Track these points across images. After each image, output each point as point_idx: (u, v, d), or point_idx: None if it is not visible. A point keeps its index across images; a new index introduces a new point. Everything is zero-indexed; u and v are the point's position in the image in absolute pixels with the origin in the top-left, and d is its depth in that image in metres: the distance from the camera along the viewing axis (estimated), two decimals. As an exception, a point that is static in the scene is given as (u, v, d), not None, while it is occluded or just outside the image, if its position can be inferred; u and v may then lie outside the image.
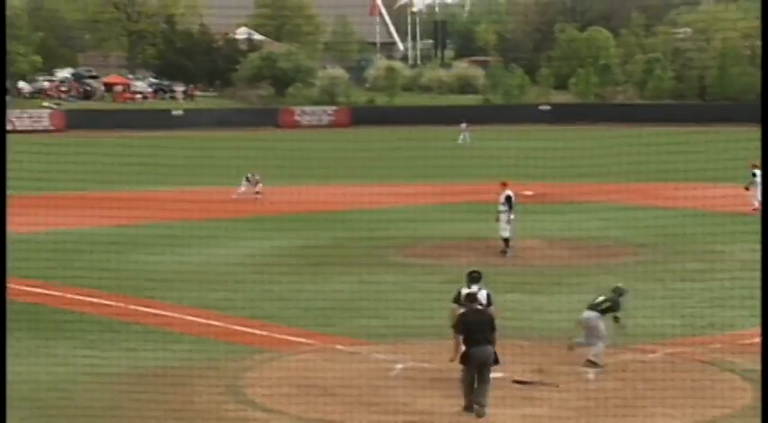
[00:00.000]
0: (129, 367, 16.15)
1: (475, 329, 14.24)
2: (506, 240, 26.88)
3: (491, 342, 14.30)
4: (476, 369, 14.28)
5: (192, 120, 78.35)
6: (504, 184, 27.63)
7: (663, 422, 14.36)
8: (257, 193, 36.49)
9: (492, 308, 15.99)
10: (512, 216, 26.69)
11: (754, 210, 31.11)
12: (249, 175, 37.53)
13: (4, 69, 7.37)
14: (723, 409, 14.59)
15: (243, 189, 36.89)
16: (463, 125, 65.91)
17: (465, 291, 16.59)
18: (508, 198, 27.13)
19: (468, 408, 14.53)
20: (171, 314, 20.23)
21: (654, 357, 17.19)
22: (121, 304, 20.91)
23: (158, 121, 76.94)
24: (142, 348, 16.97)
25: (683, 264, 20.90)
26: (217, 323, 19.35)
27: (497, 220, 26.90)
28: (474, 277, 16.87)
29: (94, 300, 21.23)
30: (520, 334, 17.23)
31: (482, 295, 16.54)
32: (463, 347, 14.51)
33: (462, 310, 15.26)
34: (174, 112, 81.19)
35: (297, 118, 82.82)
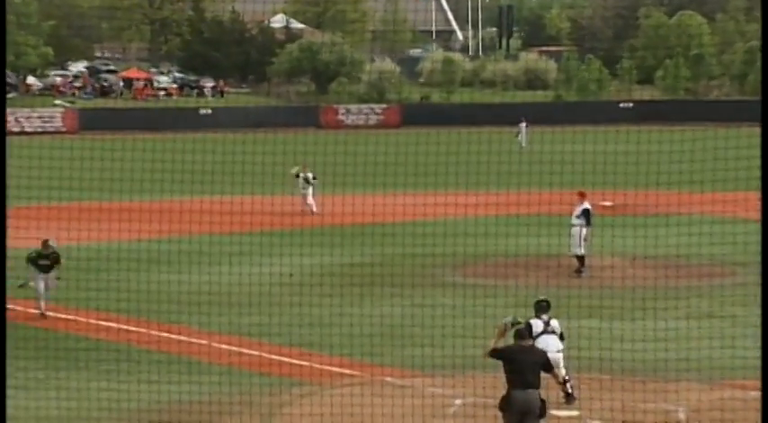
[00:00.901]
0: (151, 402, 16.27)
1: (521, 370, 13.73)
2: (581, 258, 26.73)
3: (538, 387, 13.77)
4: (518, 417, 13.74)
5: (223, 119, 79.01)
6: (582, 195, 27.50)
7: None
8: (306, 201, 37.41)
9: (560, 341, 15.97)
10: (589, 232, 26.57)
11: None
12: (300, 173, 38.27)
13: (3, 68, 7.61)
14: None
15: (310, 199, 37.96)
16: (522, 125, 65.71)
17: (535, 325, 16.50)
18: (586, 211, 27.02)
19: None
20: (197, 341, 20.35)
21: (756, 395, 16.94)
22: (142, 330, 21.09)
23: (184, 120, 77.65)
24: (165, 380, 17.07)
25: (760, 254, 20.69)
26: (249, 352, 19.43)
27: (570, 234, 26.78)
28: (542, 306, 16.82)
29: (111, 325, 21.43)
30: (598, 366, 17.12)
31: (555, 324, 16.50)
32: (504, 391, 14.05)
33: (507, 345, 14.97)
34: (202, 111, 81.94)
35: (341, 117, 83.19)
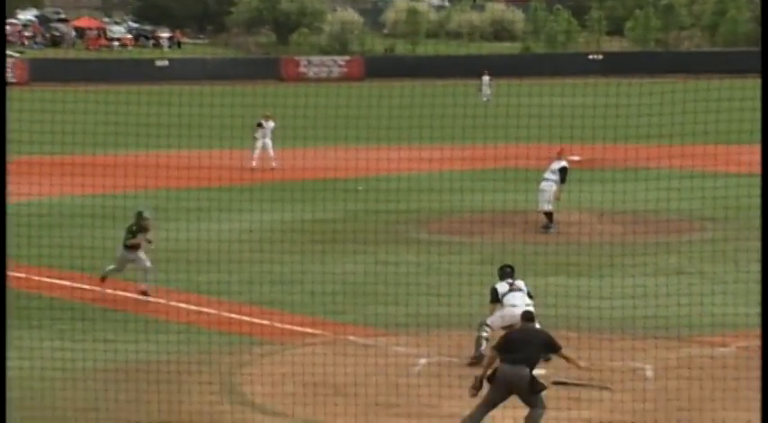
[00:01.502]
0: (107, 361, 16.26)
1: (516, 348, 13.84)
2: (549, 214, 26.88)
3: (532, 365, 13.85)
4: (502, 394, 13.80)
5: (180, 71, 78.46)
6: (562, 152, 27.64)
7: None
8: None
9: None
10: (559, 190, 26.76)
11: None
12: (263, 122, 38.21)
13: (3, 68, 8.17)
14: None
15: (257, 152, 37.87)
16: (485, 78, 65.56)
17: (500, 287, 16.70)
18: (563, 170, 27.18)
19: None
20: (155, 300, 20.35)
21: (725, 352, 17.19)
22: (97, 288, 21.05)
23: (139, 72, 77.06)
24: (121, 339, 17.08)
25: (760, 242, 20.78)
26: (208, 310, 19.45)
27: (540, 190, 26.90)
28: (506, 272, 17.01)
29: (65, 283, 21.37)
30: (565, 324, 17.26)
31: (520, 283, 16.69)
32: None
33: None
34: (159, 63, 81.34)
35: (302, 69, 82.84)
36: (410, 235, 26.21)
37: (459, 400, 15.23)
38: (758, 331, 18.01)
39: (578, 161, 34.98)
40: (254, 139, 38.71)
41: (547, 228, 26.70)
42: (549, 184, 27.07)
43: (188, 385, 15.48)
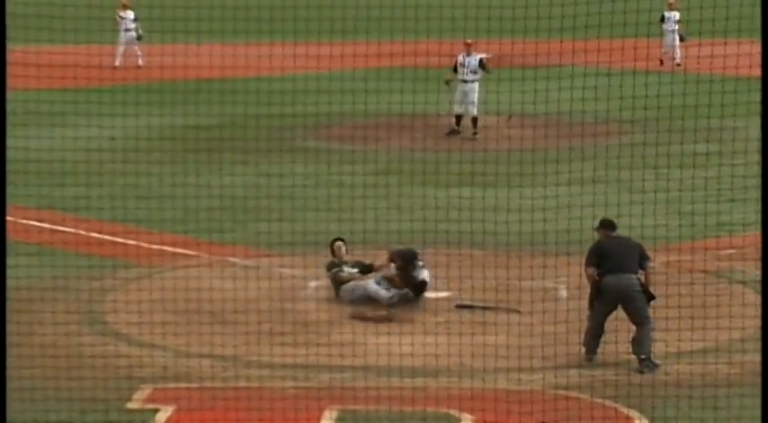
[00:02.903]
0: (-53, 288, 15.98)
1: (614, 257, 14.46)
2: (475, 120, 27.18)
3: (635, 272, 14.52)
4: (612, 305, 14.43)
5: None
6: (469, 45, 27.75)
7: (656, 350, 14.70)
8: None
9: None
10: (478, 89, 27.15)
11: (677, 65, 34.68)
12: (121, 14, 37.55)
13: (4, 68, 8.97)
14: (732, 332, 14.98)
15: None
16: None
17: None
18: (481, 62, 27.49)
19: (587, 352, 14.77)
20: (2, 217, 20.01)
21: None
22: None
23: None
24: (-37, 263, 16.79)
25: (684, 146, 21.13)
26: (66, 229, 19.23)
27: (450, 89, 27.06)
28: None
29: None
30: (469, 240, 17.44)
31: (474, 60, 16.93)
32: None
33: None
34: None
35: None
36: (297, 143, 26.16)
37: (351, 326, 15.35)
38: (682, 245, 18.47)
39: (486, 59, 35.10)
40: (116, 33, 38.06)
41: (455, 132, 26.98)
42: (473, 85, 27.38)
43: (42, 314, 15.31)
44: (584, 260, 14.92)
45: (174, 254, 18.32)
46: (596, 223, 15.42)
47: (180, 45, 37.80)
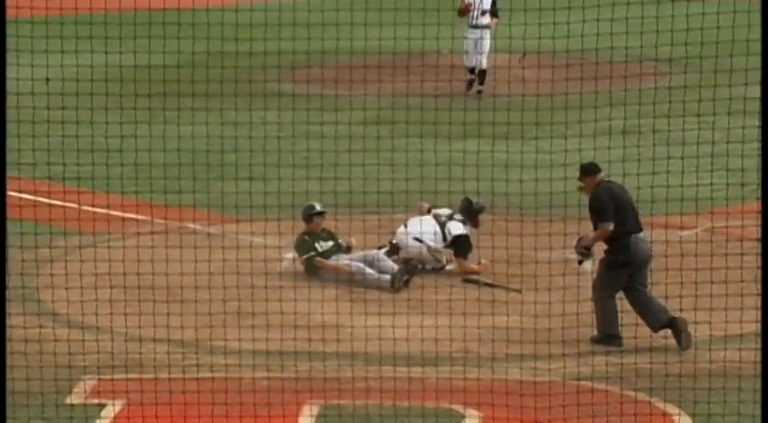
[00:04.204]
0: None
1: (628, 207, 15.00)
2: (483, 73, 27.46)
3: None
4: (624, 276, 14.87)
5: None
6: None
7: (699, 333, 14.63)
8: None
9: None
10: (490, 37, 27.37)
11: None
12: None
13: (4, 68, 9.96)
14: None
15: None
16: None
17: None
18: (494, 5, 27.67)
19: (609, 338, 14.95)
20: None
21: (686, 236, 17.45)
22: None
23: None
24: None
25: (732, 88, 21.00)
26: (-7, 190, 19.08)
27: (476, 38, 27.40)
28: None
29: None
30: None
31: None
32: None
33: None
34: None
35: None
36: (270, 86, 25.98)
37: (334, 305, 15.28)
38: (731, 209, 18.36)
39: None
40: None
41: (471, 86, 27.32)
42: (485, 32, 27.52)
43: (-35, 291, 15.21)
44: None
45: (123, 219, 18.19)
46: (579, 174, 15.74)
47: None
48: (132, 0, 30.97)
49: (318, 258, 17.35)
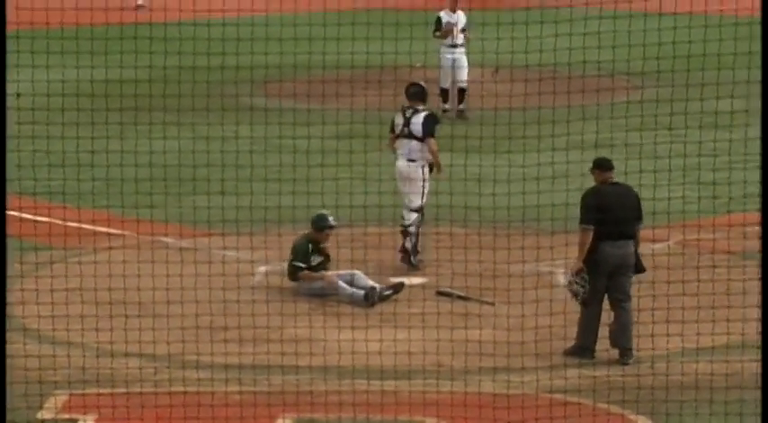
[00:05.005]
0: None
1: (613, 212, 14.62)
2: (446, 92, 27.66)
3: (633, 236, 14.72)
4: (604, 281, 14.58)
5: None
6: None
7: (671, 345, 14.73)
8: None
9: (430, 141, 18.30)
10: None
11: None
12: None
13: (4, 68, 10.35)
14: (760, 324, 14.96)
15: None
16: None
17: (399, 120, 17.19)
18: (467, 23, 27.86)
19: (583, 350, 14.83)
20: None
21: (658, 249, 17.52)
22: None
23: None
24: None
25: (704, 102, 21.11)
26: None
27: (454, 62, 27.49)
28: (415, 93, 17.54)
29: None
30: (448, 216, 17.40)
31: (417, 120, 18.60)
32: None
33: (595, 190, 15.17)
34: None
35: None
36: (242, 100, 26.02)
37: (308, 319, 15.33)
38: (702, 220, 18.48)
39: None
40: None
41: (445, 112, 27.59)
42: (462, 50, 27.61)
43: (-66, 307, 15.22)
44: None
45: (95, 233, 18.20)
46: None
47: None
48: (104, 14, 30.98)
49: (306, 272, 17.36)
